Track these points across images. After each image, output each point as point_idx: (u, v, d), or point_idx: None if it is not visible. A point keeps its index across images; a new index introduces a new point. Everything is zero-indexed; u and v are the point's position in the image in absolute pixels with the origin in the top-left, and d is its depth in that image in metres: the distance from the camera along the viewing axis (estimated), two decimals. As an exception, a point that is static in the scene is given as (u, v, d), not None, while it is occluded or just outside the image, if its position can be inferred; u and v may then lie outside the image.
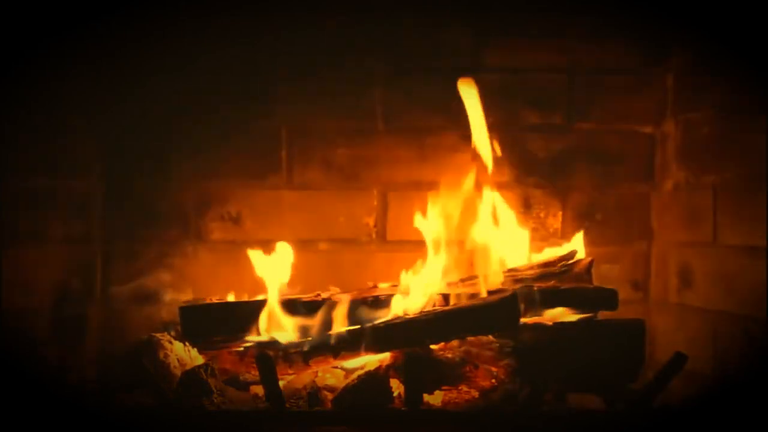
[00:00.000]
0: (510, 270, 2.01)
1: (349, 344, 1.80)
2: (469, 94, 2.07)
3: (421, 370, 1.75)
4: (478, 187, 2.08)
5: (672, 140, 2.21)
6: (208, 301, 2.00)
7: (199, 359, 1.87)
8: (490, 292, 1.87)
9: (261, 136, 2.22)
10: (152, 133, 2.19)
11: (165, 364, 1.83)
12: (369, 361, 1.84)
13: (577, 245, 2.04)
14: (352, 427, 1.65)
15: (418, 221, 2.04)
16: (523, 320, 1.82)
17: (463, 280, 1.99)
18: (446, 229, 2.04)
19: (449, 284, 1.96)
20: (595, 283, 1.97)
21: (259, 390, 1.79)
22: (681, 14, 2.05)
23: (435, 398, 1.78)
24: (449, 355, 1.83)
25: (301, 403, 1.75)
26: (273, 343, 1.85)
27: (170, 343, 1.88)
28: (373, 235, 2.25)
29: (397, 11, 2.19)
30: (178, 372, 1.82)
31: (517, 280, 1.93)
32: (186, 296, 2.09)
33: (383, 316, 1.85)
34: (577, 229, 2.13)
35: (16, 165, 1.89)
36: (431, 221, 2.04)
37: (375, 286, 1.99)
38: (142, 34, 2.14)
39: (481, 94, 2.09)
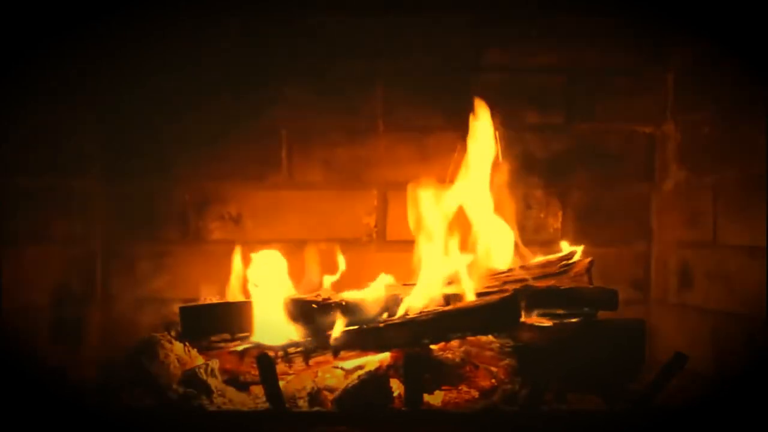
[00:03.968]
0: (510, 270, 2.00)
1: (349, 344, 1.80)
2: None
3: (421, 370, 1.75)
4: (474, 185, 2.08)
5: (672, 140, 2.21)
6: (208, 301, 2.00)
7: (199, 359, 1.87)
8: (490, 292, 1.88)
9: (261, 135, 2.22)
10: (152, 132, 2.19)
11: (165, 364, 1.83)
12: (369, 361, 1.84)
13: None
14: (352, 427, 1.65)
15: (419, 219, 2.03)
16: (522, 320, 1.82)
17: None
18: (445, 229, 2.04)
19: (449, 284, 1.96)
20: (596, 283, 1.97)
21: (259, 390, 1.79)
22: (681, 14, 2.05)
23: (435, 398, 1.78)
24: (449, 355, 1.83)
25: (301, 403, 1.75)
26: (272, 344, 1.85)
27: (170, 343, 1.88)
28: (373, 235, 2.25)
29: (397, 11, 2.19)
30: (178, 372, 1.82)
31: (517, 280, 1.93)
32: (186, 296, 2.09)
33: (383, 316, 1.85)
34: (577, 229, 2.13)
35: (16, 165, 1.89)
36: (430, 221, 2.04)
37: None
38: (142, 34, 2.14)
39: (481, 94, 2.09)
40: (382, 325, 1.81)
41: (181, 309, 1.92)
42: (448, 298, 1.90)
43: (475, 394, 1.79)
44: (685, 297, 2.15)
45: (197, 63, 2.18)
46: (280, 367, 1.79)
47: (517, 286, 1.87)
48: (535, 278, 1.94)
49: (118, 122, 2.18)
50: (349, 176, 2.25)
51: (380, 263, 2.13)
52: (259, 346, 1.84)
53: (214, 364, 1.80)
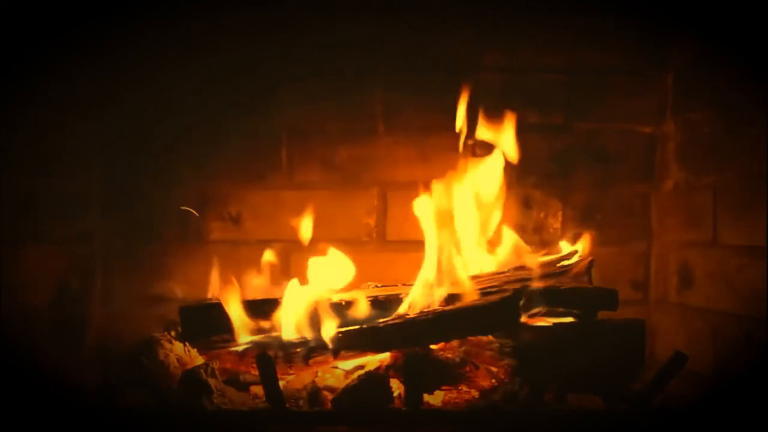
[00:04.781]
0: (510, 270, 2.00)
1: (349, 344, 1.80)
2: None
3: (421, 370, 1.75)
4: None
5: (672, 140, 2.21)
6: (208, 302, 2.00)
7: (199, 359, 1.87)
8: (490, 292, 1.88)
9: (261, 136, 2.23)
10: (152, 132, 2.19)
11: (165, 364, 1.83)
12: (369, 361, 1.84)
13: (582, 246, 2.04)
14: (352, 427, 1.65)
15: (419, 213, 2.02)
16: (523, 320, 1.82)
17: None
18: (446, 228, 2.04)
19: (449, 284, 1.95)
20: (596, 283, 1.97)
21: (259, 390, 1.79)
22: (681, 14, 2.05)
23: (435, 398, 1.78)
24: (449, 355, 1.83)
25: (301, 403, 1.75)
26: (273, 343, 1.85)
27: (170, 343, 1.88)
28: (373, 235, 2.25)
29: (398, 11, 2.19)
30: (178, 372, 1.82)
31: (517, 280, 1.93)
32: (186, 296, 2.09)
33: (383, 316, 1.85)
34: (577, 229, 2.13)
35: (16, 165, 1.89)
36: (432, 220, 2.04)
37: (375, 286, 1.98)
38: (143, 34, 2.14)
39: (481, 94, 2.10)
40: (382, 325, 1.81)
41: (181, 309, 1.92)
42: (448, 298, 1.90)
43: (475, 394, 1.79)
44: (685, 297, 2.15)
45: (197, 63, 2.17)
46: (280, 367, 1.79)
47: (517, 286, 1.87)
48: (536, 278, 1.94)
49: (118, 122, 2.18)
50: (349, 176, 2.25)
51: (380, 263, 2.13)
52: (259, 346, 1.84)
53: (214, 364, 1.80)
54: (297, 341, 1.83)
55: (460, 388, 1.81)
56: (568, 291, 1.88)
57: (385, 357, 1.83)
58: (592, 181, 2.24)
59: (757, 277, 1.81)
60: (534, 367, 1.75)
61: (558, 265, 1.98)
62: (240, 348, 1.86)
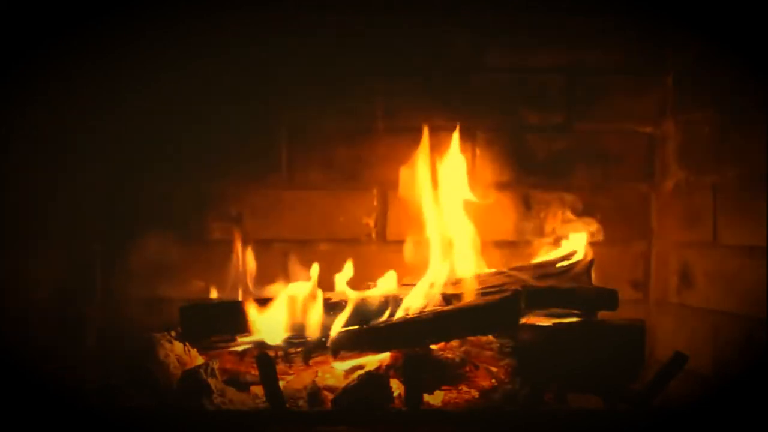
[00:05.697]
0: (510, 269, 2.00)
1: (349, 344, 1.80)
2: None
3: (421, 370, 1.75)
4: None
5: (672, 140, 2.21)
6: (208, 301, 2.00)
7: (199, 359, 1.87)
8: (490, 292, 1.88)
9: (261, 136, 2.22)
10: (152, 132, 2.19)
11: (165, 364, 1.83)
12: (369, 361, 1.84)
13: (579, 245, 2.04)
14: (352, 427, 1.65)
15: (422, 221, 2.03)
16: (523, 320, 1.82)
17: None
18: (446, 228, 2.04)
19: (450, 283, 1.96)
20: (596, 283, 1.97)
21: (259, 390, 1.79)
22: (681, 14, 2.05)
23: (435, 398, 1.78)
24: (449, 355, 1.83)
25: (301, 403, 1.75)
26: (273, 343, 1.85)
27: (170, 343, 1.88)
28: (373, 235, 2.25)
29: (398, 11, 2.19)
30: (178, 372, 1.82)
31: (516, 280, 1.93)
32: (187, 296, 2.09)
33: (383, 316, 1.85)
34: (576, 230, 2.13)
35: (16, 164, 1.90)
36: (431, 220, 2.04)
37: (375, 286, 1.99)
38: (143, 34, 2.14)
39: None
40: (382, 325, 1.81)
41: (181, 309, 1.92)
42: (448, 298, 1.90)
43: (475, 394, 1.79)
44: (685, 297, 2.15)
45: (197, 63, 2.17)
46: (280, 367, 1.79)
47: (517, 286, 1.87)
48: (535, 278, 1.94)
49: (118, 122, 2.17)
50: (349, 176, 2.25)
51: (380, 263, 2.13)
52: (259, 346, 1.84)
53: (214, 364, 1.80)
54: (297, 341, 1.84)
55: (460, 388, 1.81)
56: (568, 291, 1.88)
57: (385, 357, 1.83)
58: (592, 181, 2.24)
59: (757, 277, 1.81)
60: (534, 367, 1.75)
61: (557, 265, 1.98)
62: (240, 348, 1.87)
